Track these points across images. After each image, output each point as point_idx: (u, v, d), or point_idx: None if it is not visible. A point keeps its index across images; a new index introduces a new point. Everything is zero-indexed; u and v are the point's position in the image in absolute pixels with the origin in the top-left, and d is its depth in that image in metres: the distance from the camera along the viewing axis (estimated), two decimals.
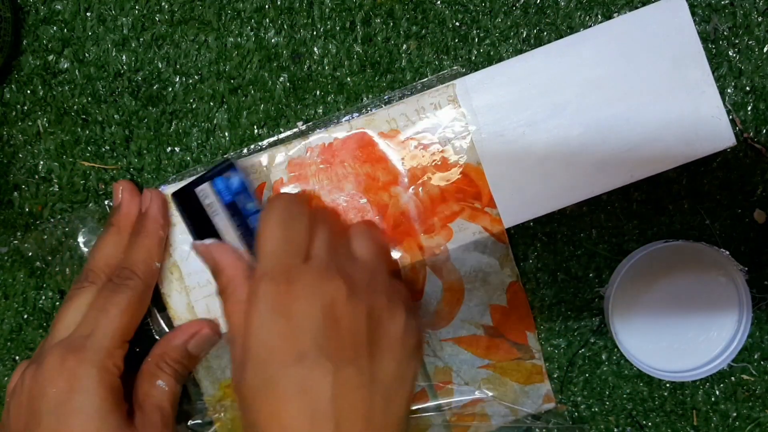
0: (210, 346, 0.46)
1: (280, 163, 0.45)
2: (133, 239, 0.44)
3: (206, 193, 0.43)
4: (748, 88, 0.46)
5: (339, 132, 0.45)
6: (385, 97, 0.46)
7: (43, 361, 0.40)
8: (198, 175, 0.44)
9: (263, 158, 0.45)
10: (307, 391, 0.35)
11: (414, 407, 0.47)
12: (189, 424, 0.47)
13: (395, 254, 0.45)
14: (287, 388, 0.35)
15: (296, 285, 0.37)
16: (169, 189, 0.45)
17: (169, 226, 0.45)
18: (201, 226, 0.44)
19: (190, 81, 0.47)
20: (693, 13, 0.45)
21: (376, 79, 0.47)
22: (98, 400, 0.39)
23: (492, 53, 0.46)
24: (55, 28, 0.46)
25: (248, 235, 0.43)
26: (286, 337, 0.36)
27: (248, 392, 0.36)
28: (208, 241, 0.43)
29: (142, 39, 0.46)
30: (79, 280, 0.43)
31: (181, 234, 0.45)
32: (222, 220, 0.43)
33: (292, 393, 0.35)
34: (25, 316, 0.48)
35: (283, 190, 0.45)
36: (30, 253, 0.48)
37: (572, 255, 0.47)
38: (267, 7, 0.46)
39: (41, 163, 0.47)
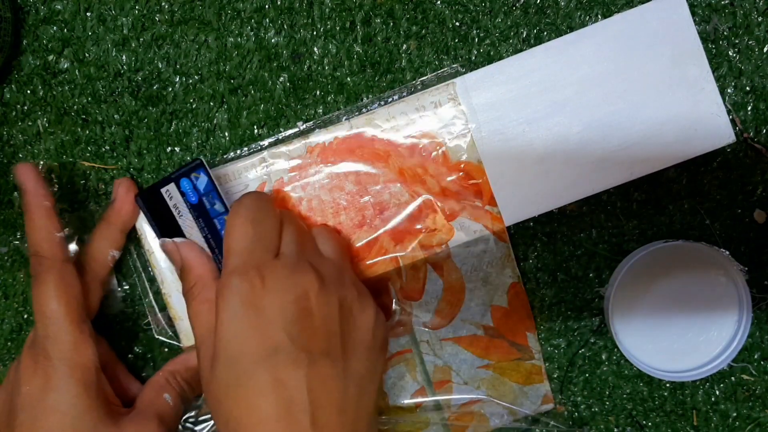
0: None
1: (280, 163, 0.45)
2: (25, 222, 0.42)
3: (171, 193, 0.42)
4: (748, 88, 0.46)
5: (339, 131, 0.45)
6: (385, 97, 0.46)
7: (21, 358, 0.41)
8: (166, 176, 0.43)
9: (263, 158, 0.45)
10: (283, 384, 0.35)
11: (412, 404, 0.47)
12: (182, 420, 0.47)
13: (397, 253, 0.45)
14: (262, 382, 0.35)
15: (268, 279, 0.37)
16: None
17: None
18: (167, 226, 0.43)
19: (190, 81, 0.47)
20: (693, 14, 0.45)
21: (376, 79, 0.47)
22: (71, 397, 0.39)
23: (492, 53, 0.46)
24: (55, 28, 0.46)
25: (215, 236, 0.43)
26: (258, 330, 0.36)
27: (220, 389, 0.36)
28: (176, 240, 0.42)
29: (142, 39, 0.47)
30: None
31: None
32: (187, 221, 0.43)
33: (267, 386, 0.35)
34: (25, 316, 0.48)
35: (284, 190, 0.45)
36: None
37: (572, 255, 0.47)
38: (267, 7, 0.46)
39: (41, 163, 0.47)
